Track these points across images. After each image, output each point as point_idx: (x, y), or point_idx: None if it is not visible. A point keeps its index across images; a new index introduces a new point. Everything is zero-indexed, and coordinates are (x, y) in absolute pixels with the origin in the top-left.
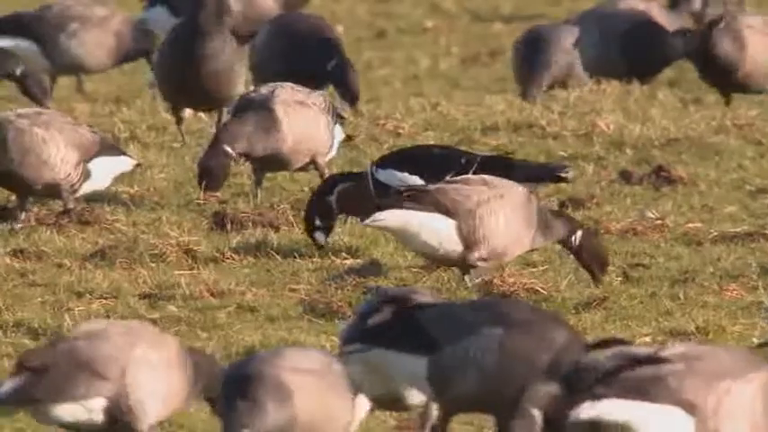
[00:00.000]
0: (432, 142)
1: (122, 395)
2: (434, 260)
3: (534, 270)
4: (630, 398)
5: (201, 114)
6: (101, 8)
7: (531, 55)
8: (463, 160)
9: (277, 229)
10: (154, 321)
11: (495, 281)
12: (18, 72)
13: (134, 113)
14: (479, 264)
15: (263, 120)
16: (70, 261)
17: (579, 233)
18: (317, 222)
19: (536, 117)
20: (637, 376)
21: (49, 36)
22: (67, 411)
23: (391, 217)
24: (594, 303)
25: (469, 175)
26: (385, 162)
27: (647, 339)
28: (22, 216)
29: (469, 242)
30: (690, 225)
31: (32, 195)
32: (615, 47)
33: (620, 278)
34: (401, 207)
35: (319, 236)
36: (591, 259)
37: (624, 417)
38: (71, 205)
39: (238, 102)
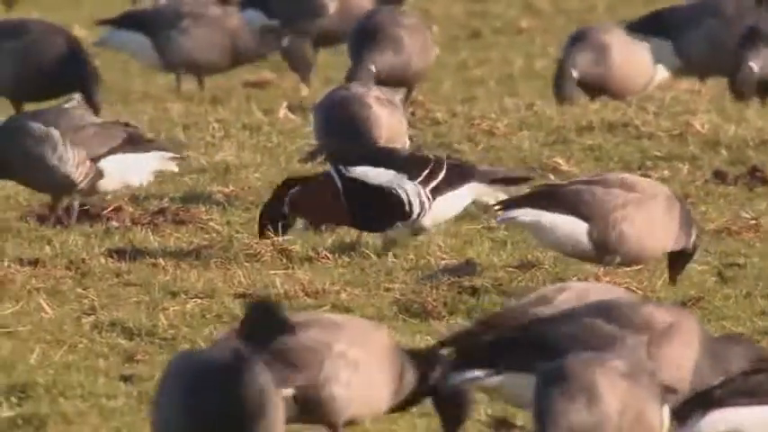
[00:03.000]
0: (525, 142)
1: (316, 388)
2: (570, 256)
3: (629, 270)
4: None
5: (291, 115)
6: (216, 7)
7: None
8: (433, 158)
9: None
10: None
11: (589, 280)
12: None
13: (229, 113)
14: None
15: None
16: (165, 261)
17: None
18: (268, 228)
19: (631, 117)
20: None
21: (162, 32)
22: None
23: (523, 215)
24: (690, 303)
25: (610, 175)
26: (354, 160)
27: None
28: (53, 218)
29: (602, 246)
30: None
31: (43, 192)
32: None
33: (714, 278)
34: (534, 206)
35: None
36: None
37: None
38: (75, 204)
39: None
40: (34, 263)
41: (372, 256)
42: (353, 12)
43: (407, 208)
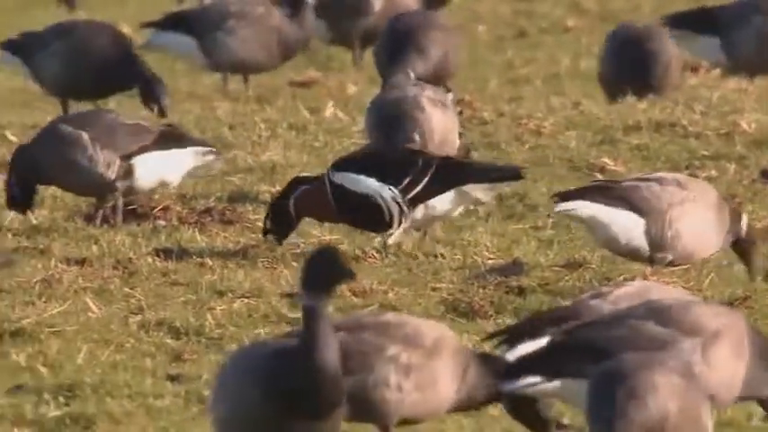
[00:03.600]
0: (571, 141)
1: (366, 390)
2: (620, 255)
3: (676, 269)
4: None
5: (340, 114)
6: (260, 6)
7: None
8: (420, 162)
9: (418, 228)
10: (295, 321)
11: (637, 280)
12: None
13: (275, 112)
14: (665, 263)
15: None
16: (212, 260)
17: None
18: (269, 225)
19: (678, 117)
20: None
21: (207, 33)
22: None
23: (581, 207)
24: (737, 302)
25: (664, 174)
26: (341, 165)
27: None
28: (99, 217)
29: (657, 243)
30: None
31: (81, 195)
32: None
33: (761, 277)
34: (592, 199)
35: (271, 239)
36: (755, 252)
37: None
38: (119, 203)
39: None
40: (81, 262)
41: (420, 255)
42: (399, 11)
43: (387, 218)
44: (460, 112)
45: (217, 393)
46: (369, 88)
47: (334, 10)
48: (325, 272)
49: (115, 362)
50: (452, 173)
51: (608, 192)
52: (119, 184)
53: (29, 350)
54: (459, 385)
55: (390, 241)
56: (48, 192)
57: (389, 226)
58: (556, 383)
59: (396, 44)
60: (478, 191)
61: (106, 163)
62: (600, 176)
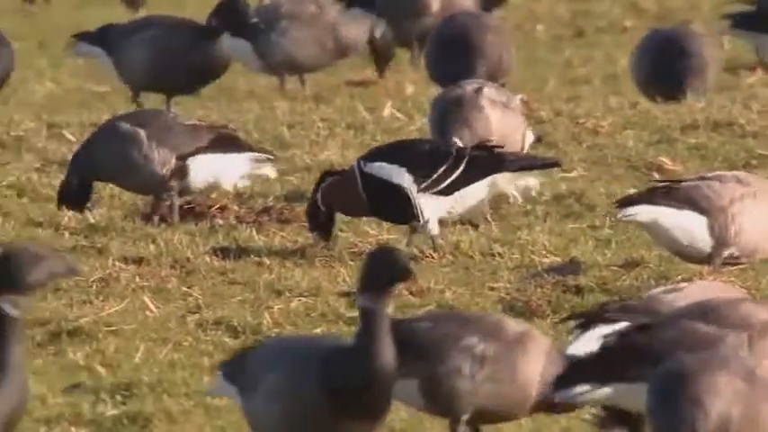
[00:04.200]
0: (629, 141)
1: (439, 378)
2: (681, 256)
3: (734, 268)
4: None
5: (398, 114)
6: (312, 5)
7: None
8: (454, 152)
9: (475, 228)
10: (353, 320)
11: (694, 279)
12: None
13: (333, 111)
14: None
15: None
16: (270, 259)
17: None
18: (310, 223)
19: (735, 116)
20: None
21: (261, 35)
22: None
23: (642, 212)
24: None
25: (723, 172)
26: (374, 155)
27: None
28: (156, 218)
29: (720, 240)
30: None
31: (136, 193)
32: None
33: None
34: (653, 203)
35: (315, 237)
36: None
37: None
38: (175, 202)
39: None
40: (139, 261)
41: (477, 255)
42: (456, 11)
43: (415, 209)
44: None
45: (264, 391)
46: (426, 88)
47: (392, 10)
48: (383, 272)
49: (173, 361)
50: (487, 162)
51: (669, 194)
52: (173, 183)
53: (86, 349)
54: (544, 384)
55: (434, 232)
56: (106, 191)
57: (416, 217)
58: (609, 389)
59: (448, 46)
60: (514, 180)
61: (162, 161)
62: (657, 176)
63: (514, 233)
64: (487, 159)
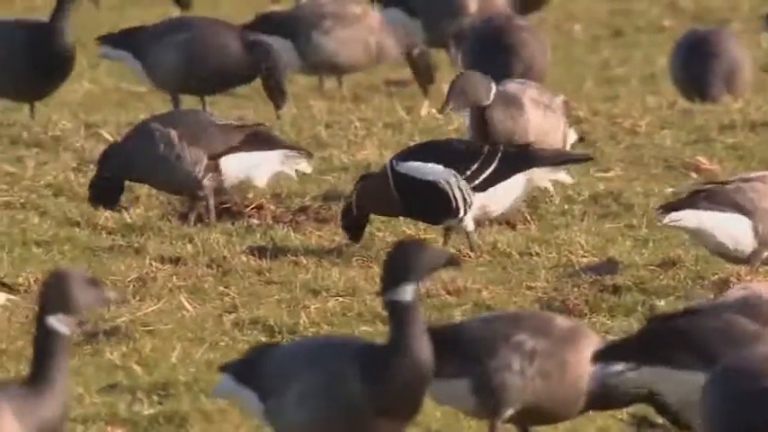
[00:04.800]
0: (667, 140)
1: (489, 375)
2: (723, 257)
3: None
4: None
5: (435, 113)
6: (356, 5)
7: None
8: (486, 150)
9: (513, 227)
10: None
11: (731, 279)
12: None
13: (371, 111)
14: None
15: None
16: (306, 259)
17: None
18: (342, 222)
19: None
20: None
21: (303, 34)
22: (439, 389)
23: (688, 217)
24: None
25: (764, 172)
26: (405, 155)
27: None
28: (192, 217)
29: (763, 241)
30: None
31: (170, 193)
32: None
33: None
34: (697, 207)
35: (346, 236)
36: None
37: None
38: (211, 201)
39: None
40: (176, 261)
41: (514, 254)
42: (493, 12)
43: (453, 205)
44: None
45: (297, 394)
46: None
47: (430, 11)
48: (421, 262)
49: (209, 360)
50: (519, 158)
51: (712, 197)
52: (206, 183)
53: (123, 349)
54: (575, 378)
55: (469, 228)
56: (142, 190)
57: (455, 214)
58: (646, 370)
59: (486, 46)
60: (547, 175)
61: (193, 160)
62: (694, 176)
63: (552, 233)
64: (520, 155)
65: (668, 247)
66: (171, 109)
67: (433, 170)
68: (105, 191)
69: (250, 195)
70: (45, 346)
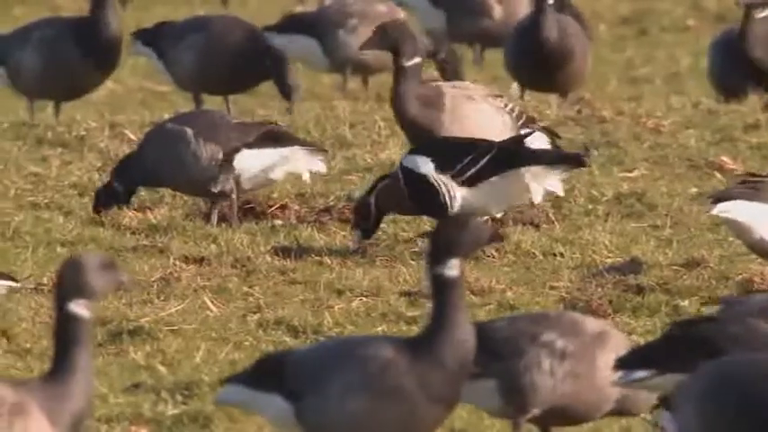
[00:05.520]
0: (691, 140)
1: (518, 374)
2: (762, 254)
3: None
4: None
5: None
6: (382, 4)
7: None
8: (480, 146)
9: (537, 227)
10: (413, 319)
11: (755, 279)
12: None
13: None
14: None
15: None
16: (330, 259)
17: None
18: (355, 221)
19: None
20: None
21: (329, 33)
22: (465, 389)
23: (736, 208)
24: None
25: None
26: (412, 150)
27: None
28: (213, 218)
29: None
30: None
31: (188, 194)
32: None
33: None
34: (748, 198)
35: (356, 236)
36: None
37: None
38: (235, 201)
39: None
40: (200, 261)
41: (538, 254)
42: (516, 12)
43: (442, 199)
44: (579, 111)
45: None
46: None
47: (454, 8)
48: (459, 238)
49: (233, 360)
50: (512, 155)
51: (755, 189)
52: (221, 181)
53: (147, 348)
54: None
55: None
56: (167, 190)
57: (445, 209)
58: (669, 377)
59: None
60: (544, 174)
61: (209, 159)
62: (719, 175)
63: (576, 233)
64: (514, 152)
65: (692, 247)
66: (193, 109)
67: (424, 164)
68: (109, 200)
69: (274, 195)
70: (67, 332)
